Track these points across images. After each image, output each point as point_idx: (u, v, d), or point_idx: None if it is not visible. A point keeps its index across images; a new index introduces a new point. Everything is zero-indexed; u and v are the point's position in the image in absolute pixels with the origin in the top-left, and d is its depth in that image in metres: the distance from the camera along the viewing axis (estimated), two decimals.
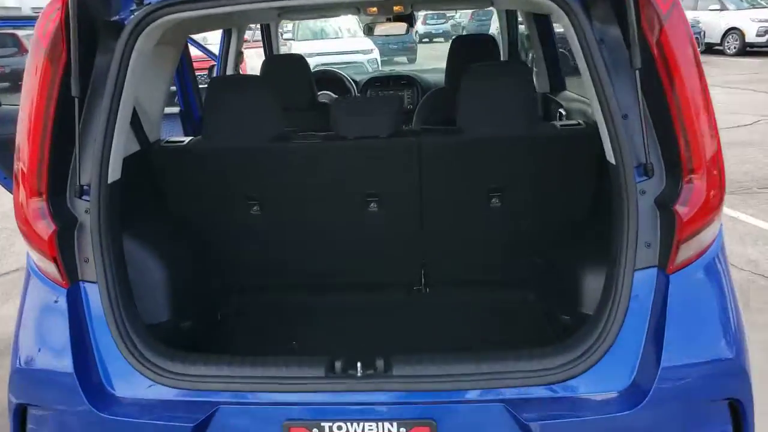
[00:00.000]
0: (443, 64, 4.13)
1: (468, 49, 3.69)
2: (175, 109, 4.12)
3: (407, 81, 5.44)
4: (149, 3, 2.07)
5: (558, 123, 2.66)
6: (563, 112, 3.68)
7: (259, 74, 3.83)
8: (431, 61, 15.93)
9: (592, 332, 1.97)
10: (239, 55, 4.58)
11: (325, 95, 5.17)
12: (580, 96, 3.91)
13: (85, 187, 2.06)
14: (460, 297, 3.11)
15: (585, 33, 1.92)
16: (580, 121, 2.68)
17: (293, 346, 2.79)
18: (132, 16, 2.09)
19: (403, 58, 19.71)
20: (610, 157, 1.99)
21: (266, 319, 3.03)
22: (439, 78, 5.63)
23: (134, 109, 2.54)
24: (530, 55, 4.61)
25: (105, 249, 2.04)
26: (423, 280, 3.15)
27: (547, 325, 2.82)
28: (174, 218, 2.87)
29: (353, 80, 5.52)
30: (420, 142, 2.60)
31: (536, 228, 2.91)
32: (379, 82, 5.49)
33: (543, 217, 2.86)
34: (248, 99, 2.64)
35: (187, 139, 2.76)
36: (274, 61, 3.62)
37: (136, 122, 2.60)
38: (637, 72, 1.91)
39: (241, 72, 4.92)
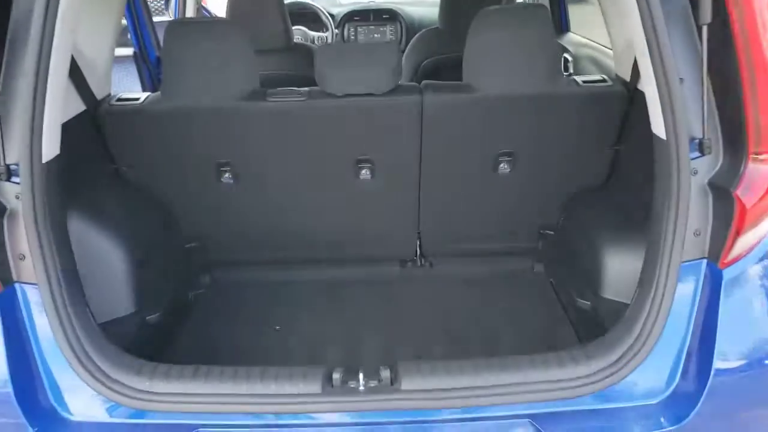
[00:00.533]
0: None
1: None
2: (129, 51, 3.60)
3: (390, 15, 4.94)
4: None
5: (579, 78, 2.29)
6: (569, 59, 3.30)
7: (225, 9, 3.33)
8: None
9: (629, 332, 1.68)
10: None
11: (299, 31, 4.68)
12: (589, 40, 3.53)
13: (12, 168, 1.64)
14: (460, 270, 2.82)
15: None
16: (604, 77, 2.32)
17: (276, 331, 2.48)
18: None
19: None
20: (658, 128, 1.65)
21: (244, 299, 2.70)
22: (425, 13, 5.15)
23: (73, 59, 2.09)
24: None
25: (45, 241, 1.64)
26: (418, 251, 2.83)
27: (557, 301, 2.56)
28: (132, 191, 2.46)
29: (329, 14, 4.99)
30: (423, 102, 2.22)
31: (547, 195, 2.59)
32: (359, 16, 4.97)
33: (556, 183, 2.54)
34: (215, 49, 2.20)
35: (143, 96, 2.31)
36: None
37: (77, 75, 2.14)
38: (704, 28, 1.55)
39: (204, 11, 4.37)
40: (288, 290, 2.74)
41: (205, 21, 2.26)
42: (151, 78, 3.61)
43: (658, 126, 1.63)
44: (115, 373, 1.67)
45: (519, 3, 3.67)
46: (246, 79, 2.25)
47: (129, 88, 3.50)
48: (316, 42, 4.77)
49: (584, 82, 2.26)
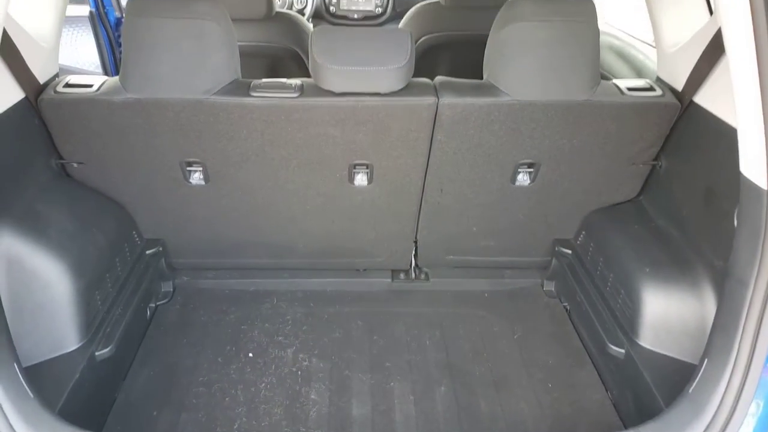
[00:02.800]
0: None
1: None
2: (84, 9, 3.10)
3: None
4: None
5: (622, 83, 1.95)
6: None
7: None
8: None
9: (698, 417, 1.38)
10: None
11: None
12: (609, 24, 3.17)
13: None
14: (459, 284, 2.51)
15: None
16: (650, 83, 1.98)
17: (248, 359, 2.14)
18: None
19: None
20: (758, 176, 1.32)
21: (211, 314, 2.34)
22: None
23: (6, 35, 1.66)
24: None
25: None
26: (413, 261, 2.50)
27: (575, 333, 2.27)
28: (82, 192, 2.06)
29: None
30: (439, 104, 1.85)
31: (566, 209, 2.28)
32: None
33: (579, 197, 2.22)
34: (188, 30, 1.77)
35: (97, 81, 1.89)
36: None
37: (12, 55, 1.71)
38: None
39: None
40: (262, 303, 2.39)
41: None
42: (110, 43, 3.13)
43: (755, 172, 1.31)
44: None
45: None
46: (225, 68, 1.84)
47: (81, 55, 3.03)
48: (295, 4, 4.31)
49: (629, 89, 1.92)
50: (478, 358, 2.17)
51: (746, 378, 1.34)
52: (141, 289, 2.18)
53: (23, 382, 1.40)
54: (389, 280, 2.53)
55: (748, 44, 1.25)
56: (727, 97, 1.67)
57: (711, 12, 1.92)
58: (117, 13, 3.20)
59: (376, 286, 2.52)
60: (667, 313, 1.83)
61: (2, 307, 1.43)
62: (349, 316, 2.36)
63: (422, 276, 2.55)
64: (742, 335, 1.34)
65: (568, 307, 2.36)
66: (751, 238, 1.33)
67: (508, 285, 2.51)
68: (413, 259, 2.51)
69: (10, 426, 1.33)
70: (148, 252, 2.28)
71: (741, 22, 1.24)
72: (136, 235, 2.23)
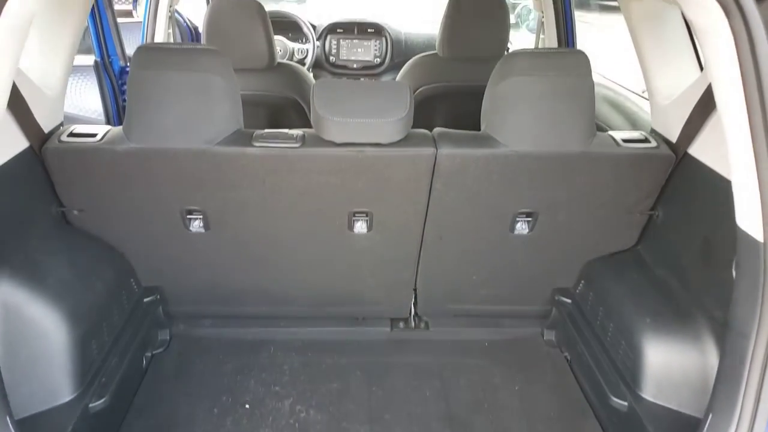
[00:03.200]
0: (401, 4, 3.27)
1: (472, 9, 2.92)
2: (89, 59, 3.17)
3: (375, 30, 4.58)
4: None
5: (618, 135, 1.99)
6: None
7: (202, 24, 2.93)
8: None
9: None
10: None
11: (279, 42, 4.32)
12: (597, 74, 3.24)
13: None
14: (459, 333, 2.49)
15: (756, 49, 1.21)
16: (645, 134, 2.02)
17: (245, 410, 2.11)
18: None
19: None
20: (752, 227, 1.34)
21: (208, 363, 2.31)
22: (411, 29, 4.82)
23: (15, 88, 1.69)
24: (528, 13, 3.87)
25: None
26: (413, 310, 2.49)
27: (576, 384, 2.24)
28: (81, 239, 2.06)
29: (311, 24, 4.61)
30: (438, 154, 1.88)
31: (565, 258, 2.28)
32: (342, 28, 4.59)
33: (578, 246, 2.23)
34: (193, 83, 1.81)
35: (101, 131, 1.91)
36: (223, 8, 2.73)
37: (19, 106, 1.74)
38: None
39: (177, 16, 3.93)
40: (259, 353, 2.37)
41: (179, 48, 1.86)
42: (113, 92, 3.18)
43: (751, 225, 1.32)
44: None
45: (551, 48, 3.35)
46: (228, 119, 1.87)
47: (85, 102, 3.08)
48: (296, 54, 4.41)
49: (624, 140, 1.96)
50: (479, 409, 2.14)
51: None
52: (138, 337, 2.16)
53: None
54: (388, 329, 2.52)
55: (739, 101, 1.28)
56: (720, 150, 1.70)
57: (701, 67, 1.98)
58: (121, 62, 3.27)
59: (375, 335, 2.50)
60: (669, 365, 1.82)
61: None
62: (348, 366, 2.33)
63: (422, 325, 2.54)
64: (745, 389, 1.33)
65: (569, 357, 2.34)
66: (750, 291, 1.33)
67: (509, 334, 2.50)
68: (413, 307, 2.50)
69: None
70: (145, 300, 2.27)
71: (731, 80, 1.28)
72: (134, 283, 2.22)
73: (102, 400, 1.82)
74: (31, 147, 1.82)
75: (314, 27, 4.67)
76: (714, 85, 1.37)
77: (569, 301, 2.35)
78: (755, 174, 1.26)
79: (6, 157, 1.69)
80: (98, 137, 1.87)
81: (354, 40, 4.60)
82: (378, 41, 4.59)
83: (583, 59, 1.86)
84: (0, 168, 1.64)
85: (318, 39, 4.57)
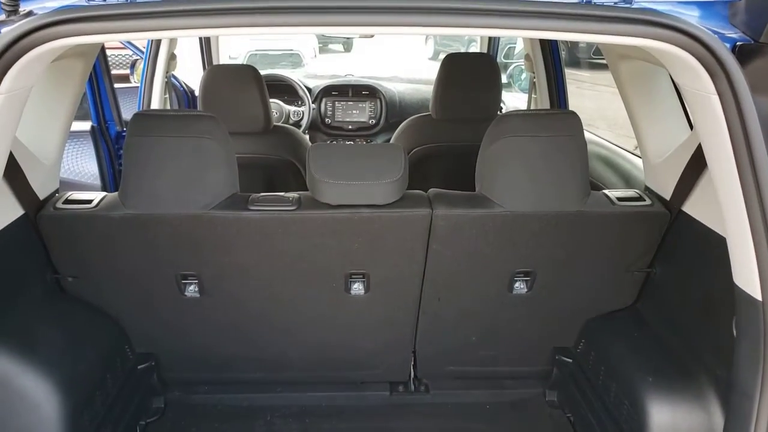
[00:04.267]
0: (393, 65, 3.34)
1: (464, 71, 2.99)
2: (86, 125, 3.21)
3: (369, 92, 4.67)
4: (37, 14, 1.26)
5: (612, 194, 2.00)
6: None
7: (197, 87, 2.99)
8: (373, 55, 15.14)
9: None
10: (171, 60, 3.67)
11: (275, 104, 4.38)
12: (591, 133, 3.30)
13: None
14: (460, 396, 2.44)
15: (743, 109, 1.24)
16: (639, 193, 2.04)
17: None
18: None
19: (339, 46, 18.77)
20: (749, 285, 1.33)
21: (204, 430, 2.24)
22: (405, 90, 4.92)
23: (11, 157, 1.70)
24: (519, 73, 3.97)
25: None
26: (412, 373, 2.45)
27: None
28: (75, 306, 2.03)
29: (306, 87, 4.71)
30: (433, 215, 1.89)
31: (565, 317, 2.26)
32: (337, 90, 4.68)
33: (577, 305, 2.22)
34: (188, 148, 1.83)
35: (96, 197, 1.92)
36: (219, 74, 2.78)
37: (15, 174, 1.75)
38: None
39: (173, 80, 4.01)
40: (256, 420, 2.31)
41: (175, 114, 1.89)
42: (109, 156, 3.21)
43: (749, 283, 1.31)
44: None
45: (543, 109, 3.42)
46: (224, 183, 1.88)
47: (81, 167, 3.09)
48: (292, 117, 4.47)
49: (619, 199, 1.97)
50: None
51: None
52: (132, 406, 2.11)
53: None
54: (387, 393, 2.46)
55: (729, 160, 1.30)
56: (714, 207, 1.70)
57: (691, 127, 2.01)
58: (118, 128, 3.31)
59: (374, 399, 2.44)
60: (674, 426, 1.78)
61: None
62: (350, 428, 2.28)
63: (422, 388, 2.49)
64: None
65: (572, 419, 2.29)
66: (751, 350, 1.32)
67: (510, 396, 2.45)
68: (412, 370, 2.46)
69: None
70: (140, 367, 2.22)
71: (720, 141, 1.30)
72: (128, 350, 2.18)
73: None
74: (26, 214, 1.82)
75: (309, 90, 4.76)
76: (704, 145, 1.39)
77: (570, 360, 2.31)
78: (749, 232, 1.27)
79: (1, 225, 1.69)
80: (93, 204, 1.87)
81: (349, 102, 4.68)
82: (372, 103, 4.67)
83: (574, 120, 1.90)
84: None
85: (313, 101, 4.65)
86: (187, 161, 1.81)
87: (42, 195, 1.90)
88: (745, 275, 1.32)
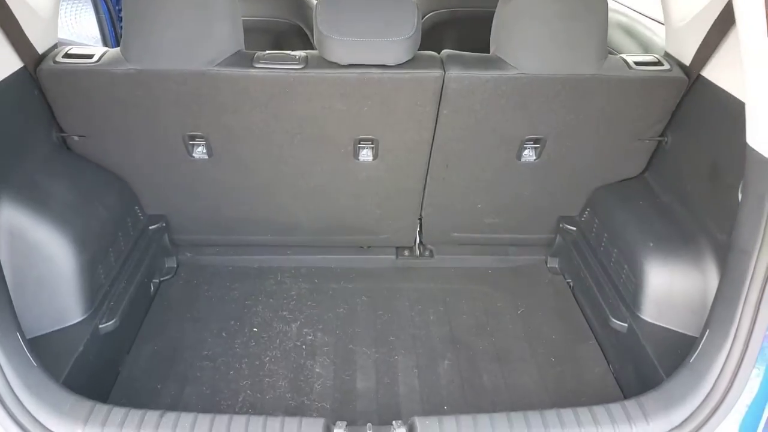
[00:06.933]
0: None
1: None
2: None
3: None
4: None
5: (630, 58, 1.93)
6: None
7: None
8: None
9: (698, 385, 1.39)
10: None
11: None
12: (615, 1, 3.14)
13: None
14: (463, 261, 2.51)
15: None
16: (658, 58, 1.96)
17: (253, 333, 2.15)
18: None
19: None
20: (758, 143, 1.32)
21: (215, 289, 2.34)
22: None
23: (4, 5, 1.64)
24: None
25: None
26: (417, 238, 2.50)
27: (578, 309, 2.27)
28: (84, 165, 2.04)
29: None
30: (446, 77, 1.83)
31: (572, 186, 2.27)
32: None
33: (584, 173, 2.21)
34: (191, 0, 1.75)
35: (97, 52, 1.87)
36: None
37: (10, 24, 1.69)
38: None
39: None
40: (266, 279, 2.40)
41: None
42: (110, 17, 3.10)
43: (761, 143, 1.29)
44: (54, 422, 1.33)
45: None
46: (229, 39, 1.82)
47: (81, 29, 3.00)
48: None
49: (636, 63, 1.90)
50: (482, 332, 2.17)
51: (747, 347, 1.35)
52: (144, 264, 2.18)
53: (26, 351, 1.40)
54: (394, 257, 2.53)
55: (759, 12, 1.23)
56: (735, 71, 1.65)
57: None
58: None
59: (381, 262, 2.52)
60: (670, 287, 1.83)
61: (3, 276, 1.43)
62: (354, 292, 2.36)
63: (426, 253, 2.55)
64: (744, 305, 1.35)
65: (572, 284, 2.36)
66: (755, 209, 1.33)
67: (512, 262, 2.52)
68: (418, 236, 2.51)
69: (14, 395, 1.33)
70: (151, 227, 2.27)
71: None
72: (138, 211, 2.22)
73: (112, 322, 1.85)
74: (25, 68, 1.78)
75: None
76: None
77: (574, 228, 2.35)
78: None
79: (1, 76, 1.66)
80: (95, 58, 1.83)
81: None
82: None
83: None
84: None
85: None
86: (191, 13, 1.75)
87: (40, 49, 1.85)
88: (759, 135, 1.30)
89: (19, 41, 1.73)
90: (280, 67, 1.82)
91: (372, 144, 2.04)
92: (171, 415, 1.39)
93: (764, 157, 1.30)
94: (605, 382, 1.97)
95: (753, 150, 1.34)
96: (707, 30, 1.79)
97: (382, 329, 2.18)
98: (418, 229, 2.48)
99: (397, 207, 2.33)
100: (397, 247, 2.55)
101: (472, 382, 1.98)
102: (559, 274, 2.45)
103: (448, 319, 2.23)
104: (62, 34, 2.11)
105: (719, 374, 1.37)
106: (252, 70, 1.81)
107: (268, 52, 1.85)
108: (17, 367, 1.36)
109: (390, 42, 1.76)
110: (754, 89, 1.31)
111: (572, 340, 2.14)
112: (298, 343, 2.11)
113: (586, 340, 2.13)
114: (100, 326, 1.82)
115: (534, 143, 2.07)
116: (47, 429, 1.33)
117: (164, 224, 2.31)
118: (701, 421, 1.35)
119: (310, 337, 2.14)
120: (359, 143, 2.04)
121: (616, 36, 2.86)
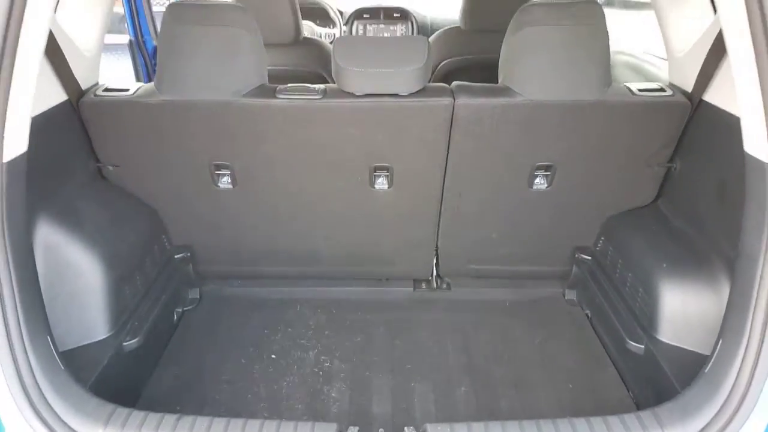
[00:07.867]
0: None
1: None
2: (124, 38, 3.30)
3: (401, 14, 4.65)
4: None
5: (633, 86, 2.01)
6: None
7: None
8: None
9: (714, 394, 1.38)
10: None
11: (307, 27, 4.40)
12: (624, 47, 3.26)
13: None
14: (481, 293, 2.53)
15: None
16: (662, 86, 2.04)
17: (272, 360, 2.19)
18: None
19: None
20: (754, 148, 1.36)
21: (236, 319, 2.40)
22: (437, 13, 4.89)
23: (55, 40, 1.80)
24: None
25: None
26: (434, 271, 2.54)
27: (596, 337, 2.27)
28: (116, 193, 2.16)
29: (338, 10, 4.71)
30: (455, 105, 1.93)
31: (585, 214, 2.31)
32: (369, 13, 4.68)
33: (597, 201, 2.26)
34: (220, 36, 1.90)
35: (134, 87, 2.02)
36: None
37: (59, 59, 1.85)
38: None
39: None
40: (286, 310, 2.45)
41: (209, 4, 1.95)
42: (147, 70, 3.31)
43: (756, 148, 1.34)
44: (77, 422, 1.38)
45: None
46: (253, 72, 1.96)
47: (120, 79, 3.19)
48: (323, 39, 4.50)
49: (640, 90, 1.98)
50: (499, 361, 2.18)
51: (760, 353, 1.34)
52: (169, 291, 2.26)
53: (55, 355, 1.47)
54: (411, 289, 2.57)
55: (746, 39, 1.30)
56: (733, 92, 1.71)
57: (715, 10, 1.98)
58: (155, 42, 3.40)
59: (398, 294, 2.56)
60: (685, 307, 1.84)
61: (39, 286, 1.52)
62: (372, 322, 2.40)
63: (444, 285, 2.59)
64: (754, 311, 1.35)
65: (590, 314, 2.36)
66: (757, 213, 1.35)
67: (530, 294, 2.53)
68: (434, 268, 2.55)
69: (42, 394, 1.39)
70: (176, 257, 2.36)
71: (737, 14, 1.30)
72: (165, 240, 2.32)
73: (136, 340, 1.91)
74: (69, 101, 1.93)
75: (341, 13, 4.76)
76: (722, 21, 1.38)
77: (589, 258, 2.37)
78: (761, 100, 1.28)
79: (46, 107, 1.80)
80: (131, 91, 1.98)
81: (380, 25, 4.67)
82: (404, 25, 4.65)
83: (596, 9, 1.90)
84: (40, 116, 1.74)
85: (345, 24, 4.66)
86: (219, 49, 1.89)
87: (84, 85, 2.01)
88: (754, 141, 1.35)
89: (65, 76, 1.89)
90: (300, 97, 1.94)
91: (387, 172, 2.13)
92: (188, 419, 1.44)
93: (761, 161, 1.34)
94: (624, 406, 1.95)
95: (751, 156, 1.38)
96: (705, 56, 1.87)
97: (399, 357, 2.20)
98: (435, 262, 2.52)
99: (413, 237, 2.39)
100: (414, 280, 2.59)
101: (489, 406, 1.97)
102: (577, 306, 2.45)
103: (466, 349, 2.24)
104: (101, 81, 2.28)
105: (734, 384, 1.37)
106: (274, 101, 1.93)
107: (289, 85, 1.98)
108: (45, 368, 1.42)
109: (402, 72, 1.87)
110: (746, 103, 1.37)
111: (590, 367, 2.13)
112: (315, 370, 2.14)
113: (605, 367, 2.12)
114: (124, 343, 1.88)
115: (545, 171, 2.13)
116: (70, 428, 1.38)
117: (189, 254, 2.40)
118: (718, 429, 1.34)
119: (327, 364, 2.17)
120: (375, 171, 2.13)
121: (624, 73, 2.95)
